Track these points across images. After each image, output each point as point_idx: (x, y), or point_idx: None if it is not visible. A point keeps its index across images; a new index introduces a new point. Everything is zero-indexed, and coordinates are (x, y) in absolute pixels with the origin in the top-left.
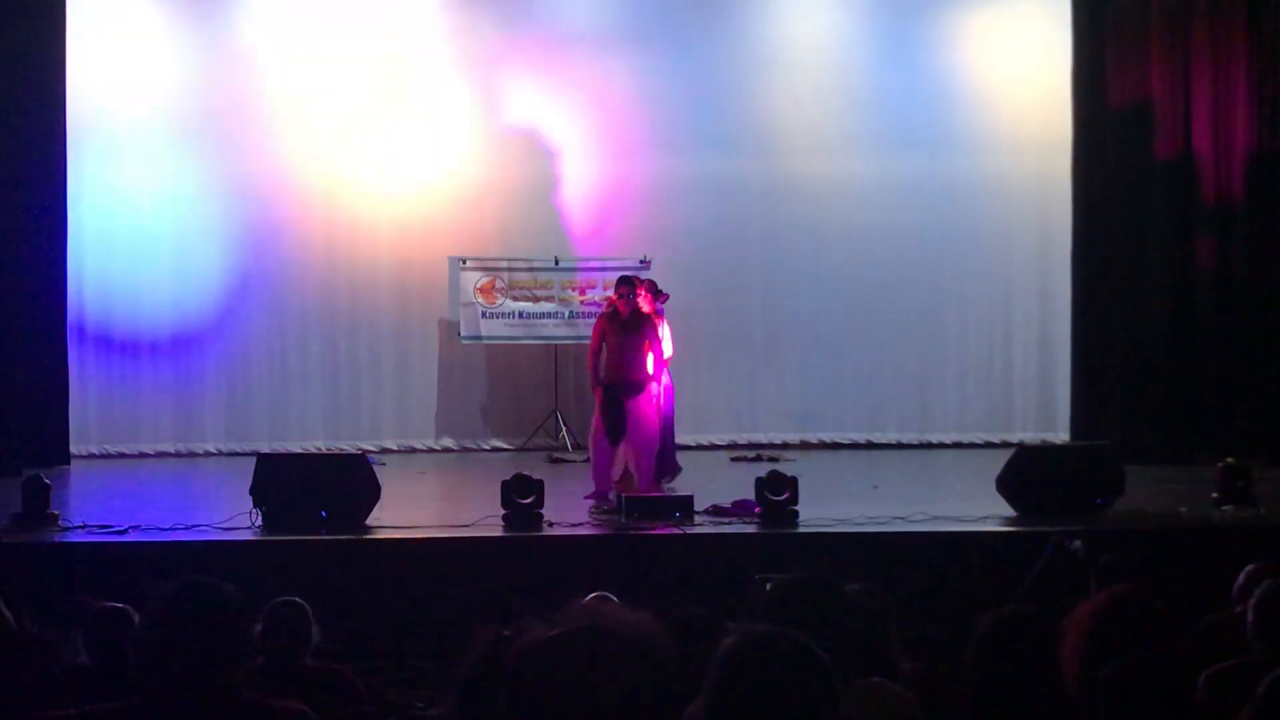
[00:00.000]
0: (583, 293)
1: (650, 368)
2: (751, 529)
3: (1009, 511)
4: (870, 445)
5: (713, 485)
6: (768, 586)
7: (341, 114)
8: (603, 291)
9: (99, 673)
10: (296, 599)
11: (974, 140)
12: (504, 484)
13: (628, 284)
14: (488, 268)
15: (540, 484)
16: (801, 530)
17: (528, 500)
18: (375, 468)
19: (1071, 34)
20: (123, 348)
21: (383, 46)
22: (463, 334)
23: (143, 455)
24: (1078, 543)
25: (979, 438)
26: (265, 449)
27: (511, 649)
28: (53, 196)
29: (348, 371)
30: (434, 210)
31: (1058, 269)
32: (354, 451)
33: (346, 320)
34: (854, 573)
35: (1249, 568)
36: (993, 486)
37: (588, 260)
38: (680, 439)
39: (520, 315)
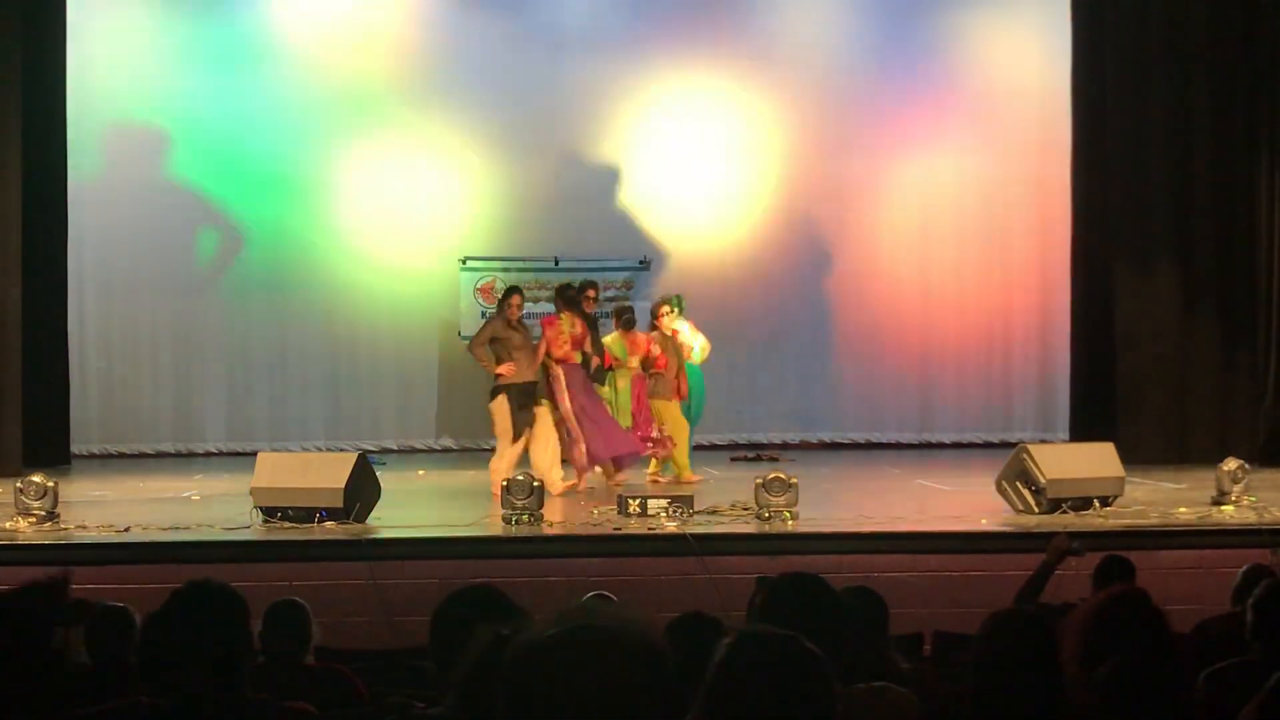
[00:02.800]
0: None
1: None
2: (751, 529)
3: (1009, 511)
4: (870, 445)
5: (712, 484)
6: (765, 586)
7: (341, 113)
8: (602, 291)
9: (99, 673)
10: (296, 599)
11: (974, 140)
12: (504, 484)
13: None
14: (488, 268)
15: (540, 484)
16: (801, 530)
17: (527, 500)
18: (375, 468)
19: (1071, 34)
20: (123, 348)
21: (382, 46)
22: (463, 334)
23: (143, 455)
24: (1078, 543)
25: (979, 437)
26: (265, 449)
27: (508, 648)
28: (53, 196)
29: (348, 371)
30: (434, 210)
31: (1058, 269)
32: (354, 451)
33: (346, 320)
34: (852, 573)
35: (1247, 567)
36: (992, 486)
37: (588, 260)
38: None
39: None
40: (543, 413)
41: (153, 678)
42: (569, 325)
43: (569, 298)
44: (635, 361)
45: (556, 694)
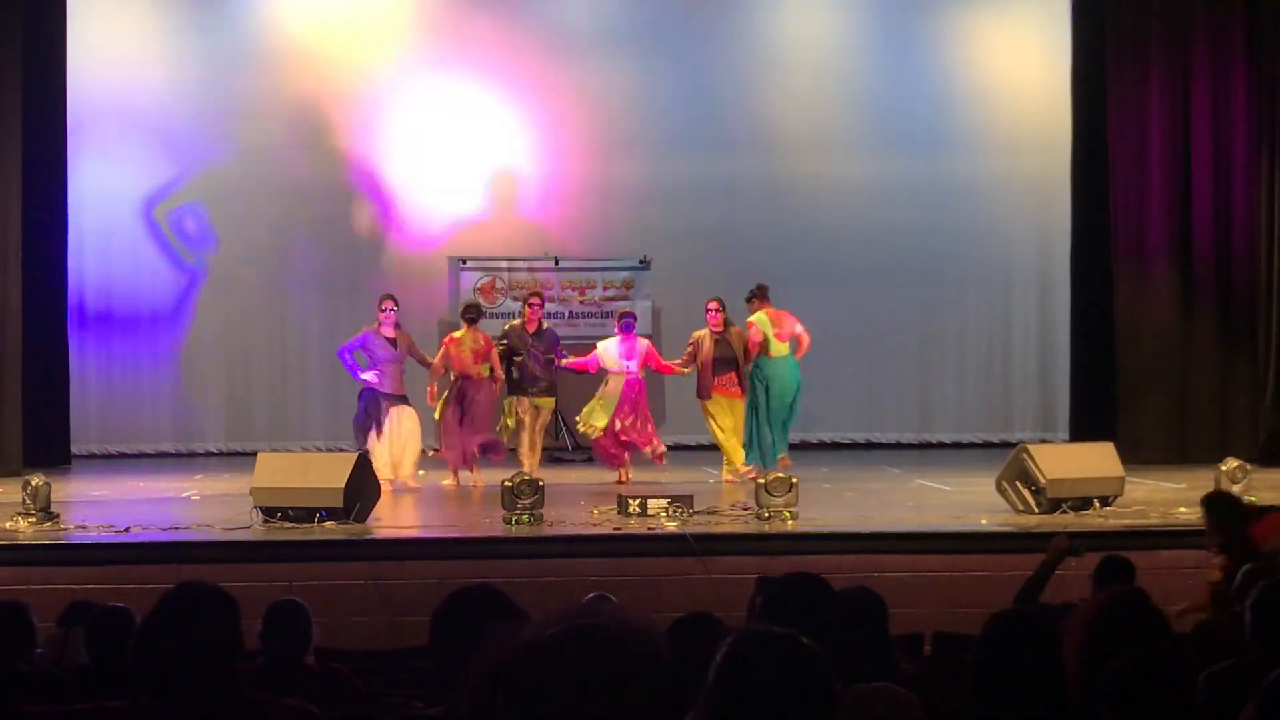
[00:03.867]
0: (582, 293)
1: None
2: (751, 529)
3: (1009, 511)
4: (870, 445)
5: (712, 484)
6: (766, 586)
7: (341, 114)
8: (602, 291)
9: (99, 673)
10: (296, 599)
11: (974, 140)
12: (504, 484)
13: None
14: (488, 268)
15: (540, 484)
16: (801, 530)
17: (528, 500)
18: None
19: (1071, 34)
20: (123, 348)
21: (382, 46)
22: None
23: (143, 455)
24: (1078, 543)
25: (979, 438)
26: (265, 449)
27: (510, 648)
28: (53, 196)
29: (348, 372)
30: (434, 210)
31: (1058, 269)
32: (354, 451)
33: (347, 320)
34: (852, 572)
35: (1246, 567)
36: (992, 486)
37: (588, 260)
38: (681, 439)
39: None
40: (401, 413)
41: (149, 679)
42: (470, 341)
43: (470, 317)
44: (635, 365)
45: (558, 692)
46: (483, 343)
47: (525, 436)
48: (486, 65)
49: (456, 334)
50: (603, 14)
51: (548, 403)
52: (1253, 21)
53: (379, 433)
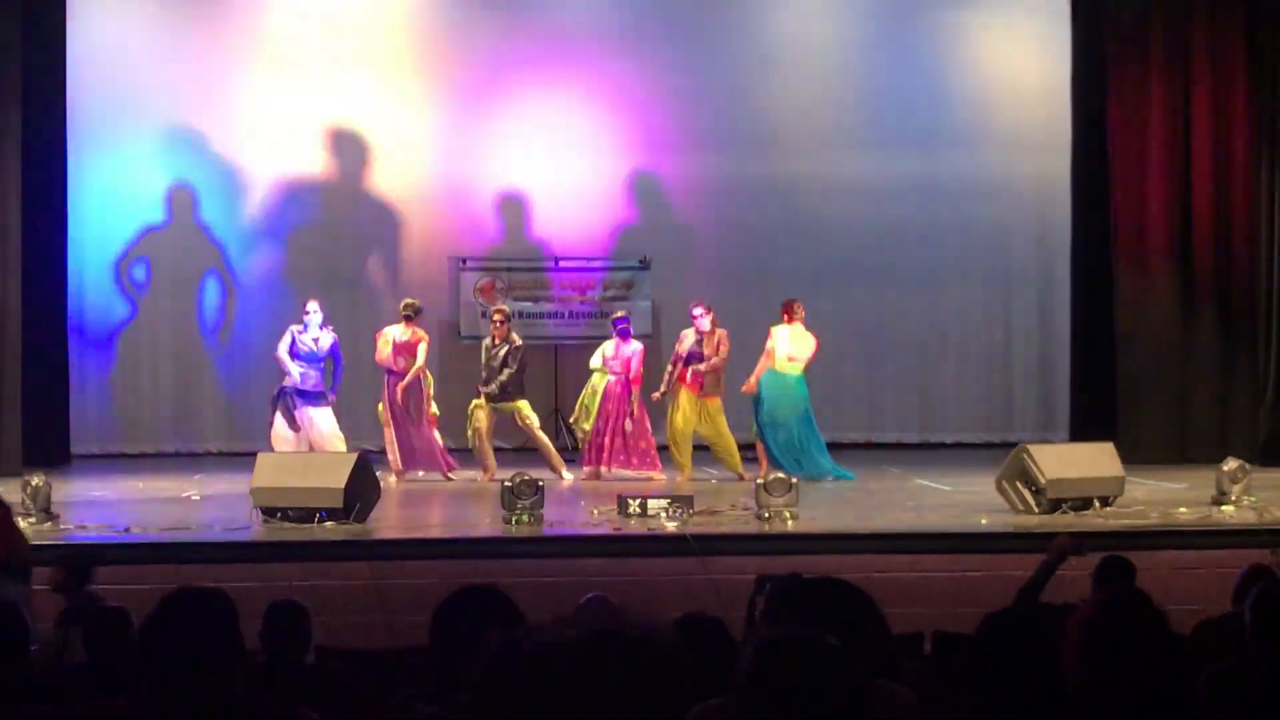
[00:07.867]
0: (583, 293)
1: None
2: (751, 529)
3: (1009, 511)
4: (870, 445)
5: (712, 484)
6: (767, 587)
7: (341, 114)
8: (602, 291)
9: (99, 673)
10: (296, 599)
11: (974, 140)
12: (504, 484)
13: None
14: (488, 268)
15: (540, 484)
16: (801, 530)
17: (527, 500)
18: (375, 468)
19: (1071, 34)
20: (123, 348)
21: (382, 46)
22: (463, 334)
23: (143, 455)
24: (1080, 542)
25: (979, 438)
26: (265, 449)
27: (525, 651)
28: (52, 196)
29: (348, 372)
30: (434, 210)
31: (1058, 268)
32: (354, 451)
33: (347, 320)
34: (852, 573)
35: (1246, 567)
36: (992, 486)
37: (588, 260)
38: None
39: (520, 315)
40: (316, 415)
41: (149, 681)
42: (396, 335)
43: (406, 314)
44: (618, 365)
45: (579, 695)
46: (408, 338)
47: (478, 432)
48: (487, 64)
49: (387, 328)
50: (604, 13)
51: (501, 407)
52: (1253, 21)
53: (293, 427)
